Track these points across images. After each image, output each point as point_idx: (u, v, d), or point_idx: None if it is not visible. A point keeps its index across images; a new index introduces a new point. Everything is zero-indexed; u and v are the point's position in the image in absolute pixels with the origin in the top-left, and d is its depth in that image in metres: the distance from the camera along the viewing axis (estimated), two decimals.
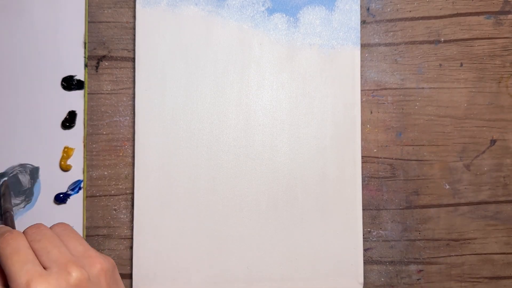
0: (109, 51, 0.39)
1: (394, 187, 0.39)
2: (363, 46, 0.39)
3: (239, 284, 0.38)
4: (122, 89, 0.39)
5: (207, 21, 0.38)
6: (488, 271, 0.39)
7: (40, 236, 0.29)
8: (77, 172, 0.38)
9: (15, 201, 0.38)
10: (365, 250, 0.39)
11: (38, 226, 0.29)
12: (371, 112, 0.39)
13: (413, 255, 0.39)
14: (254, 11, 0.38)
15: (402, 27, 0.39)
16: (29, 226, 0.29)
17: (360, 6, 0.38)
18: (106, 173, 0.39)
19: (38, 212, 0.38)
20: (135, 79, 0.38)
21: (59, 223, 0.30)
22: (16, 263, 0.27)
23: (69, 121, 0.38)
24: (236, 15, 0.38)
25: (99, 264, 0.28)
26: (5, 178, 0.38)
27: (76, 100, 0.38)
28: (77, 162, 0.38)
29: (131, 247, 0.38)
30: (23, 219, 0.38)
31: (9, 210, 0.35)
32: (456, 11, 0.39)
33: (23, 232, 0.29)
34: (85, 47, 0.38)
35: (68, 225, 0.30)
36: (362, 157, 0.39)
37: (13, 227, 0.34)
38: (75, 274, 0.27)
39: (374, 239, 0.39)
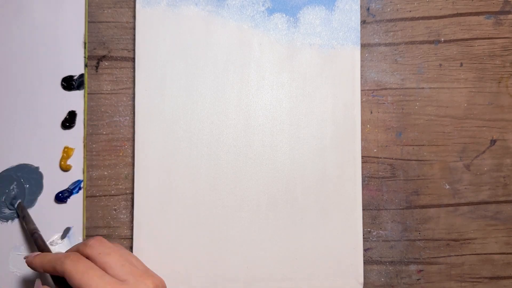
0: (109, 51, 0.39)
1: (394, 187, 0.39)
2: (363, 46, 0.39)
3: (239, 284, 0.38)
4: (122, 89, 0.39)
5: (207, 21, 0.38)
6: (488, 271, 0.39)
7: (108, 250, 0.31)
8: (77, 172, 0.38)
9: (16, 200, 0.38)
10: (365, 250, 0.39)
11: (100, 239, 0.31)
12: (371, 112, 0.39)
13: (413, 255, 0.39)
14: (254, 11, 0.38)
15: (402, 27, 0.39)
16: (90, 239, 0.31)
17: (360, 6, 0.38)
18: (106, 173, 0.39)
19: (38, 212, 0.38)
20: (135, 79, 0.38)
21: (96, 237, 0.32)
22: (94, 277, 0.29)
23: (69, 121, 0.38)
24: (236, 15, 0.38)
25: (160, 281, 0.31)
26: (19, 200, 0.38)
27: (76, 100, 0.38)
28: (77, 162, 0.38)
29: (131, 247, 0.38)
30: None
31: (36, 231, 0.36)
32: (456, 11, 0.39)
33: (87, 244, 0.31)
34: (85, 47, 0.38)
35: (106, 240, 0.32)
36: (362, 157, 0.39)
37: (45, 246, 0.34)
38: (152, 285, 0.30)
39: (374, 239, 0.39)
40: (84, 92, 0.38)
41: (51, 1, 0.38)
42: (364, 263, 0.39)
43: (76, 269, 0.29)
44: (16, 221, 0.38)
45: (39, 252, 0.33)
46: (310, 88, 0.38)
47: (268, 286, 0.38)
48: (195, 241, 0.37)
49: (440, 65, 0.39)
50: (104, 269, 0.30)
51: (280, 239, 0.38)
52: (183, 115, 0.38)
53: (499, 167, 0.39)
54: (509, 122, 0.39)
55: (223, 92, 0.38)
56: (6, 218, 0.38)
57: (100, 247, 0.31)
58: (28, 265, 0.32)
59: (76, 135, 0.38)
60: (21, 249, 0.38)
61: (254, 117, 0.38)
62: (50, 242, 0.38)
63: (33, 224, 0.37)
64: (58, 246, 0.38)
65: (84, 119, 0.38)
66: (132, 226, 0.38)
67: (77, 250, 0.31)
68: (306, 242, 0.38)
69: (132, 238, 0.38)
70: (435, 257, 0.39)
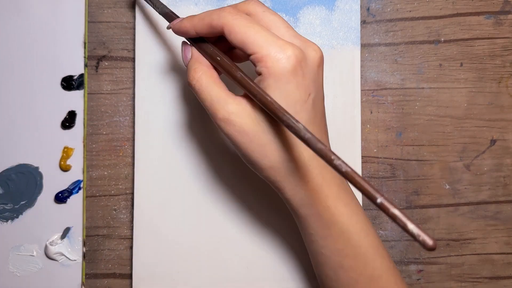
0: (109, 51, 0.39)
1: (394, 187, 0.39)
2: (363, 46, 0.39)
3: (239, 284, 0.38)
4: (122, 89, 0.39)
5: None
6: (488, 271, 0.39)
7: (271, 10, 0.28)
8: (77, 172, 0.38)
9: (16, 200, 0.38)
10: None
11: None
12: (371, 112, 0.39)
13: (413, 255, 0.39)
14: None
15: (402, 27, 0.39)
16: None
17: (360, 6, 0.38)
18: (106, 173, 0.39)
19: (38, 212, 0.38)
20: (135, 79, 0.38)
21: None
22: (261, 31, 0.26)
23: (69, 121, 0.38)
24: None
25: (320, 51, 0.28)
26: None
27: (76, 100, 0.38)
28: (77, 162, 0.38)
29: (131, 247, 0.38)
30: (22, 219, 0.38)
31: (168, 11, 0.32)
32: (456, 11, 0.39)
33: (247, 2, 0.28)
34: (85, 47, 0.38)
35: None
36: (362, 157, 0.39)
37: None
38: (320, 52, 0.28)
39: None
40: (84, 92, 0.38)
41: (51, 1, 0.38)
42: None
43: (239, 22, 0.26)
44: (16, 221, 0.38)
45: (182, 17, 0.30)
46: None
47: (268, 286, 0.38)
48: (195, 241, 0.37)
49: (440, 65, 0.39)
50: (268, 28, 0.27)
51: (280, 239, 0.38)
52: (183, 114, 0.38)
53: (499, 167, 0.39)
54: (509, 122, 0.39)
55: None
56: (6, 218, 0.38)
57: (263, 6, 0.28)
58: (176, 31, 0.29)
59: (76, 135, 0.38)
60: (21, 249, 0.38)
61: None
62: (50, 242, 0.38)
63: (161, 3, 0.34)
64: (57, 246, 0.38)
65: (84, 119, 0.38)
66: (132, 226, 0.38)
67: (233, 7, 0.28)
68: None
69: (132, 238, 0.38)
70: (435, 257, 0.39)
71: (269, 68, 0.26)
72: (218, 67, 0.29)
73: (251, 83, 0.27)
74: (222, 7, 0.28)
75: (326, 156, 0.23)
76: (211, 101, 0.28)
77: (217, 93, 0.28)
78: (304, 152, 0.28)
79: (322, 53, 0.28)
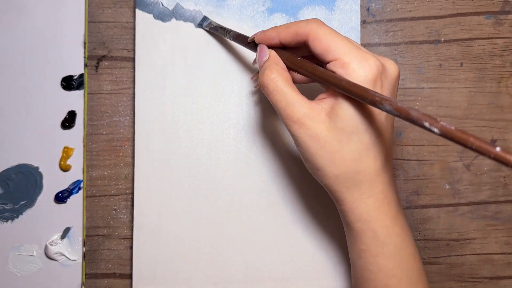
0: (109, 51, 0.39)
1: None
2: (363, 46, 0.39)
3: (239, 284, 0.38)
4: (122, 89, 0.39)
5: None
6: (488, 271, 0.39)
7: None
8: (77, 172, 0.38)
9: (16, 200, 0.38)
10: None
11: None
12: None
13: None
14: (254, 11, 0.38)
15: (402, 27, 0.39)
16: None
17: (360, 6, 0.38)
18: (106, 173, 0.39)
19: (38, 212, 0.38)
20: (135, 79, 0.38)
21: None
22: (345, 39, 0.27)
23: (69, 121, 0.38)
24: (236, 15, 0.38)
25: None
26: (209, 21, 0.37)
27: (76, 100, 0.38)
28: (77, 162, 0.38)
29: (131, 247, 0.38)
30: (22, 219, 0.38)
31: (231, 30, 0.35)
32: (456, 11, 0.39)
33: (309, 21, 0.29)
34: (85, 47, 0.38)
35: None
36: None
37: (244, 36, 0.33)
38: (396, 66, 0.29)
39: None
40: (84, 92, 0.38)
41: (51, 1, 0.38)
42: None
43: (324, 30, 0.28)
44: (16, 221, 0.38)
45: (263, 30, 0.31)
46: None
47: (268, 286, 0.38)
48: (195, 241, 0.37)
49: (440, 65, 0.39)
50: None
51: (280, 239, 0.38)
52: (183, 115, 0.38)
53: (499, 167, 0.39)
54: (509, 122, 0.39)
55: (223, 92, 0.38)
56: (6, 218, 0.38)
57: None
58: (260, 40, 0.31)
59: (76, 135, 0.38)
60: (21, 249, 0.38)
61: (254, 117, 0.38)
62: (50, 242, 0.38)
63: (221, 26, 0.36)
64: (57, 246, 0.38)
65: (84, 119, 0.38)
66: (132, 226, 0.38)
67: (318, 20, 0.29)
68: (306, 242, 0.38)
69: (132, 238, 0.38)
70: (435, 257, 0.39)
71: (350, 74, 0.26)
72: (297, 68, 0.29)
73: (335, 75, 0.27)
74: (307, 19, 0.29)
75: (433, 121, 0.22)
76: (286, 102, 0.28)
77: (292, 95, 0.28)
78: (372, 165, 0.28)
79: (399, 68, 0.29)
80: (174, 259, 0.37)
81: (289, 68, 0.30)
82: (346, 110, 0.27)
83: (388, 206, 0.29)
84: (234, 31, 0.35)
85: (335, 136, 0.27)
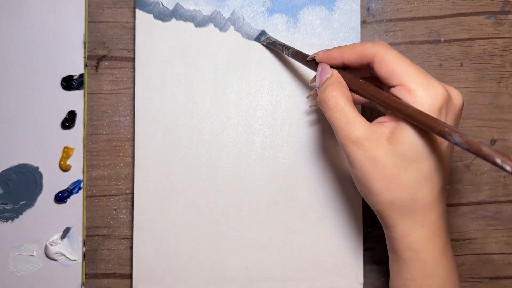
0: (109, 51, 0.39)
1: None
2: None
3: (239, 284, 0.38)
4: (122, 89, 0.39)
5: None
6: (488, 271, 0.39)
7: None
8: (77, 172, 0.38)
9: (16, 200, 0.38)
10: (365, 250, 0.39)
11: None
12: (371, 112, 0.39)
13: None
14: (254, 12, 0.38)
15: (402, 27, 0.39)
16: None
17: (360, 6, 0.38)
18: (106, 173, 0.39)
19: (38, 212, 0.38)
20: (135, 79, 0.38)
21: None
22: (412, 64, 0.27)
23: (69, 121, 0.38)
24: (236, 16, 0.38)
25: None
26: (268, 36, 0.37)
27: (76, 100, 0.38)
28: (77, 162, 0.38)
29: (131, 247, 0.38)
30: (22, 219, 0.38)
31: (289, 46, 0.35)
32: (456, 11, 0.39)
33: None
34: (85, 47, 0.38)
35: None
36: None
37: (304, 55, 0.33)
38: (461, 96, 0.28)
39: (374, 239, 0.39)
40: (84, 92, 0.38)
41: (51, 1, 0.38)
42: (364, 263, 0.39)
43: (392, 54, 0.27)
44: (16, 221, 0.38)
45: (325, 49, 0.31)
46: (310, 88, 0.38)
47: (268, 286, 0.38)
48: (195, 241, 0.37)
49: (440, 65, 0.39)
50: None
51: (280, 239, 0.38)
52: (183, 115, 0.38)
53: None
54: (509, 122, 0.39)
55: (223, 92, 0.38)
56: (6, 218, 0.38)
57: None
58: (321, 59, 0.31)
59: (76, 135, 0.38)
60: (21, 249, 0.38)
61: (254, 117, 0.38)
62: (50, 242, 0.38)
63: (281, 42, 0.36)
64: (58, 246, 0.38)
65: (84, 119, 0.38)
66: (132, 226, 0.38)
67: (384, 42, 0.29)
68: (306, 242, 0.38)
69: (132, 238, 0.38)
70: None
71: (416, 101, 0.26)
72: (359, 90, 0.29)
73: (401, 101, 0.26)
74: (374, 41, 0.29)
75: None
76: (347, 121, 0.27)
77: (353, 114, 0.27)
78: (429, 194, 0.27)
79: (463, 98, 0.29)
80: (174, 259, 0.37)
81: (350, 89, 0.29)
82: (408, 137, 0.26)
83: (439, 237, 0.28)
84: (293, 48, 0.34)
85: (394, 162, 0.26)
